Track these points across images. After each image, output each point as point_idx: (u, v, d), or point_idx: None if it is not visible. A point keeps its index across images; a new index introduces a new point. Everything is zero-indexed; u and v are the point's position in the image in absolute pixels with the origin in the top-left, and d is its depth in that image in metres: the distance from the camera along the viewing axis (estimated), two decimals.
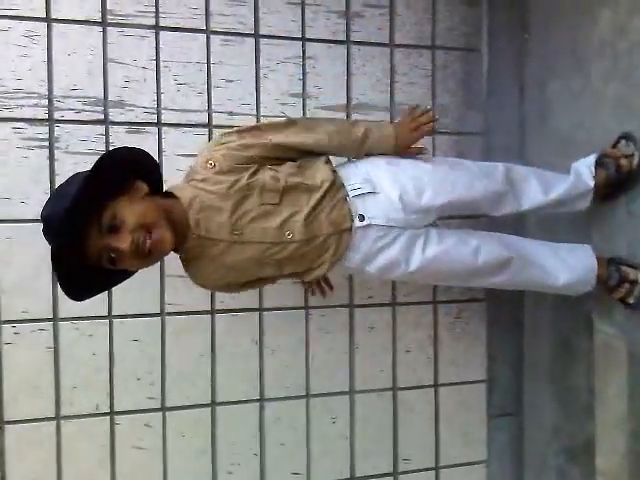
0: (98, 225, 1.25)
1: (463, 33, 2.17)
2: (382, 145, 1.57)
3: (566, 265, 1.67)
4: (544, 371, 2.11)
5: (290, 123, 1.52)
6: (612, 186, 1.74)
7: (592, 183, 1.72)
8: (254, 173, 1.43)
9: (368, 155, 1.59)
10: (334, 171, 1.52)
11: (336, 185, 1.50)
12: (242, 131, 1.47)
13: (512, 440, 2.24)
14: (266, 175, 1.43)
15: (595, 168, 1.72)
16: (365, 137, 1.55)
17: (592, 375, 1.87)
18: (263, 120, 1.95)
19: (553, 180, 1.71)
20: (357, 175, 1.53)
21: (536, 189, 1.68)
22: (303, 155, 1.52)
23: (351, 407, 2.08)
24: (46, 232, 1.26)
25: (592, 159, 1.74)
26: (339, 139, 1.53)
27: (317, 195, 1.46)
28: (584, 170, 1.73)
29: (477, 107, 2.19)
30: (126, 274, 1.44)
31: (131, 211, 1.28)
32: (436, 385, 2.16)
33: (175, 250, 1.41)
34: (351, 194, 1.49)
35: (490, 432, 2.22)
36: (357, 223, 1.47)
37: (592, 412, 1.87)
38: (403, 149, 1.59)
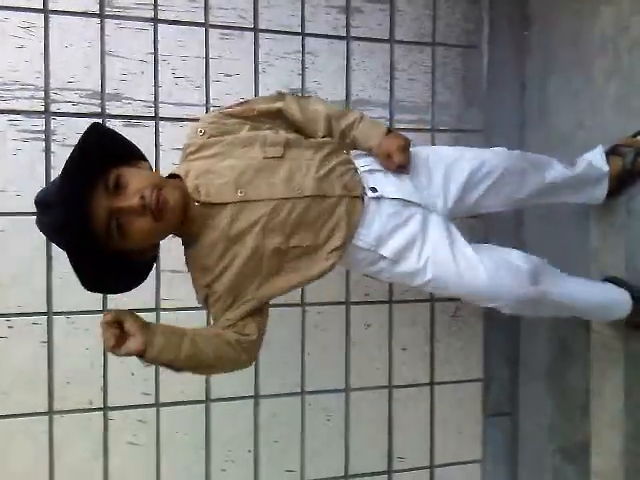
0: (104, 187, 1.20)
1: (464, 30, 2.16)
2: (368, 136, 1.49)
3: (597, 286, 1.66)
4: (541, 370, 2.11)
5: (279, 96, 1.49)
6: (620, 179, 1.72)
7: (605, 168, 1.69)
8: (251, 130, 1.40)
9: (352, 147, 1.53)
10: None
11: (341, 151, 1.46)
12: (230, 106, 1.45)
13: (507, 439, 2.24)
14: (265, 131, 1.40)
15: (607, 157, 1.71)
16: (352, 127, 1.50)
17: (588, 375, 1.87)
18: None
19: (567, 166, 1.69)
20: (365, 157, 1.51)
21: (559, 165, 1.65)
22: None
23: (346, 405, 2.07)
24: (47, 206, 1.19)
25: (599, 148, 1.73)
26: (326, 120, 1.48)
27: (325, 150, 1.41)
28: (594, 157, 1.72)
29: (477, 104, 2.18)
30: (143, 264, 1.35)
31: (137, 173, 1.26)
32: (432, 383, 2.15)
33: (178, 233, 1.36)
34: (361, 169, 1.45)
35: (485, 431, 2.21)
36: (370, 194, 1.41)
37: (588, 412, 1.87)
38: (383, 152, 1.48)
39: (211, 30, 1.92)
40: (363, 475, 2.10)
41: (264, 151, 1.36)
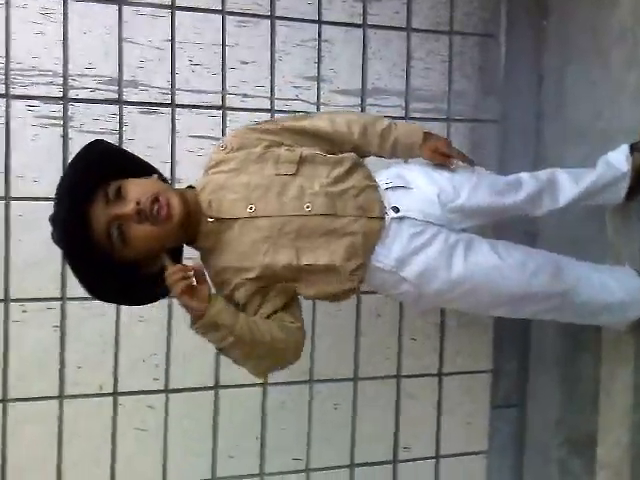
0: (104, 199, 1.23)
1: (481, 19, 2.14)
2: (410, 134, 1.51)
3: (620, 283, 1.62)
4: (550, 363, 2.11)
5: (305, 115, 1.52)
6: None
7: (625, 168, 1.66)
8: (267, 147, 1.40)
9: (394, 156, 1.54)
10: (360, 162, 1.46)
11: (362, 168, 1.44)
12: (258, 122, 1.48)
13: (514, 431, 2.24)
14: (281, 149, 1.40)
15: (631, 153, 1.68)
16: (390, 128, 1.50)
17: (598, 368, 1.87)
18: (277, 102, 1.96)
19: (581, 172, 1.67)
20: (388, 171, 1.49)
21: (568, 181, 1.62)
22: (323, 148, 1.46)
23: (354, 394, 2.07)
24: (53, 224, 1.24)
25: (624, 147, 1.70)
26: (360, 126, 1.48)
27: (340, 169, 1.39)
28: (616, 157, 1.69)
29: (494, 94, 2.16)
30: (151, 280, 1.31)
31: (137, 184, 1.27)
32: (440, 374, 2.15)
33: (192, 244, 1.38)
34: (382, 186, 1.42)
35: (492, 423, 2.21)
36: (391, 214, 1.38)
37: (596, 405, 1.87)
38: (430, 147, 1.50)
39: (228, 17, 1.91)
40: (368, 464, 2.11)
41: (277, 168, 1.37)
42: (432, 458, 2.17)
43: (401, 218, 1.39)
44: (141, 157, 1.42)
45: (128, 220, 1.22)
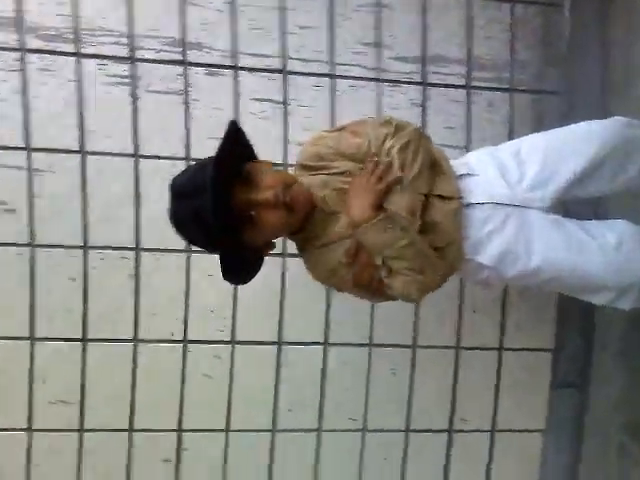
0: (241, 181, 1.29)
1: None
2: None
3: None
4: (615, 345, 2.05)
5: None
6: None
7: None
8: None
9: None
10: None
11: None
12: None
13: (573, 412, 2.21)
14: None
15: None
16: None
17: None
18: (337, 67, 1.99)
19: None
20: (457, 161, 1.49)
21: None
22: None
23: (412, 360, 2.09)
24: (196, 190, 1.24)
25: None
26: None
27: None
28: None
29: (558, 65, 2.10)
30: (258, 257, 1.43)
31: (265, 169, 1.34)
32: (501, 348, 2.14)
33: (297, 233, 1.42)
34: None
35: (552, 402, 2.19)
36: (461, 200, 1.39)
37: None
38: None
39: None
40: (424, 431, 2.13)
41: None
42: (488, 431, 2.17)
43: (468, 205, 1.40)
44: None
45: (266, 206, 1.28)
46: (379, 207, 1.31)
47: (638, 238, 1.48)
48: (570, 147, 1.47)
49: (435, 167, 1.41)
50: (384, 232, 1.30)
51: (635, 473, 1.92)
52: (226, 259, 1.31)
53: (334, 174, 1.39)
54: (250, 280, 1.43)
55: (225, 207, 1.24)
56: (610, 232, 1.46)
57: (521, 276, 1.44)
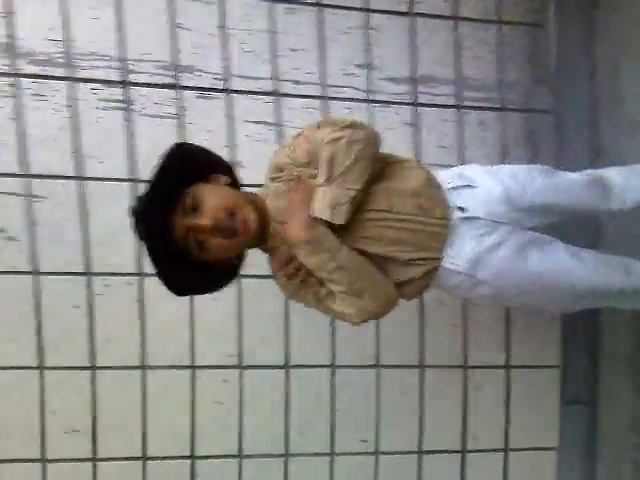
0: (182, 209, 1.27)
1: (529, 8, 2.11)
2: None
3: None
4: (622, 360, 2.05)
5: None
6: None
7: None
8: None
9: None
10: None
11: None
12: None
13: (586, 429, 2.19)
14: None
15: None
16: None
17: None
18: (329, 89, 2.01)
19: None
20: (450, 172, 1.48)
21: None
22: None
23: (420, 381, 2.08)
24: (135, 225, 1.27)
25: None
26: None
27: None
28: None
29: (547, 84, 2.13)
30: (229, 270, 1.42)
31: (209, 192, 1.30)
32: (508, 367, 2.12)
33: (261, 244, 1.41)
34: (445, 186, 1.41)
35: (563, 419, 2.16)
36: (458, 214, 1.37)
37: None
38: None
39: (277, 4, 1.97)
40: (437, 452, 2.11)
41: None
42: (501, 450, 2.14)
43: (468, 218, 1.38)
44: (215, 153, 1.44)
45: (204, 233, 1.26)
46: (314, 220, 1.27)
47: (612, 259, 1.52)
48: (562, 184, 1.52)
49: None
50: (313, 255, 1.28)
51: None
52: (182, 278, 1.32)
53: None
54: (227, 285, 1.42)
55: (163, 242, 1.25)
56: (587, 252, 1.50)
57: (516, 293, 1.44)
